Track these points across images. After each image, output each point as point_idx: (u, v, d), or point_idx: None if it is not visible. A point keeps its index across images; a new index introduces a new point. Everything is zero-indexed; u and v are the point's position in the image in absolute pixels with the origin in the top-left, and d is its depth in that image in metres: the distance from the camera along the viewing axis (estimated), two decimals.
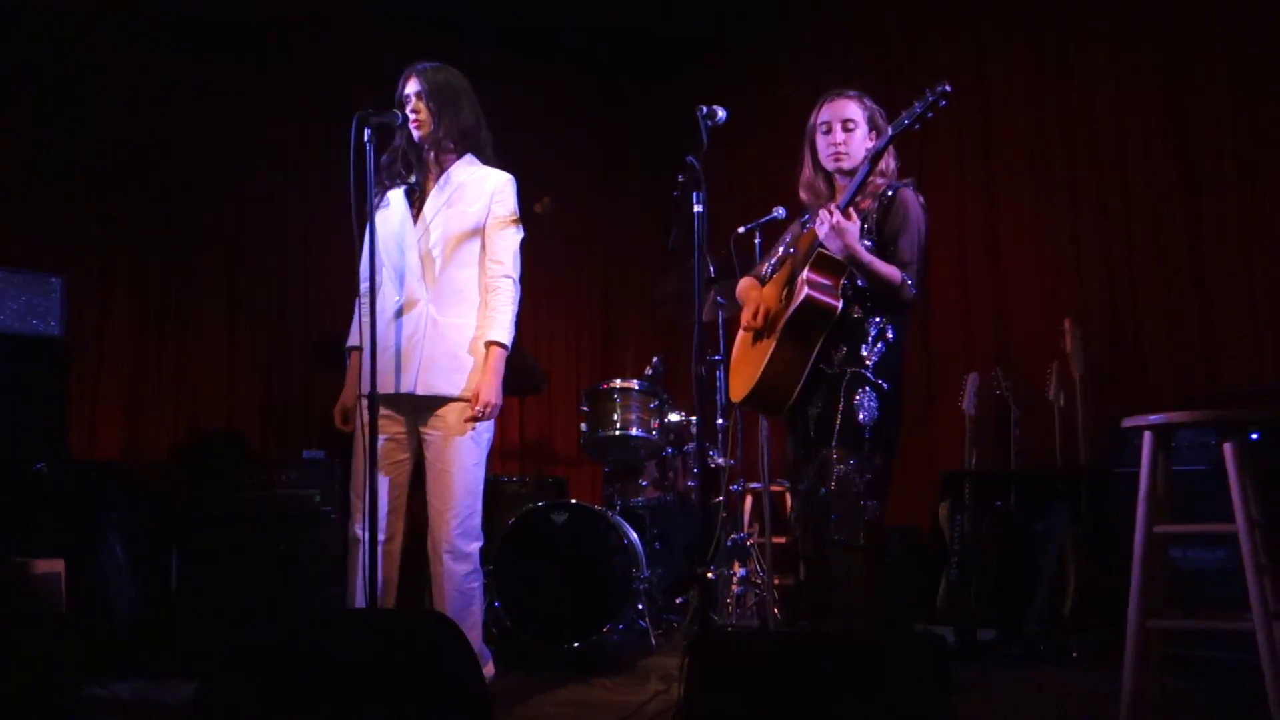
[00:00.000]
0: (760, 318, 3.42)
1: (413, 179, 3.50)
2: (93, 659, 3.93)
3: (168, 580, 4.41)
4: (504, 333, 3.42)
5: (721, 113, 3.14)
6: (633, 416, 4.73)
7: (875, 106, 3.44)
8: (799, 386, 3.27)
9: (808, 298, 3.18)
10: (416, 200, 3.49)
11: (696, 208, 2.99)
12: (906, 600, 4.76)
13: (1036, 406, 4.65)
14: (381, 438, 3.27)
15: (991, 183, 5.38)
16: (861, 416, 3.19)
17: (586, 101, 6.83)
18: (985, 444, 4.73)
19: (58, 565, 3.81)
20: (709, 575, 4.48)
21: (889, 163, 3.36)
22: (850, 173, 3.37)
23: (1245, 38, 4.50)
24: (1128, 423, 3.01)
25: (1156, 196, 4.76)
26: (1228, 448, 2.88)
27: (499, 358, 3.41)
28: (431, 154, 3.49)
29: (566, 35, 6.50)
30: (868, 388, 3.21)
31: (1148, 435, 2.99)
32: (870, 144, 3.37)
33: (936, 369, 5.42)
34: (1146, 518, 2.96)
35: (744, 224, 4.49)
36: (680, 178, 3.00)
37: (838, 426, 3.20)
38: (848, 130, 3.37)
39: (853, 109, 3.39)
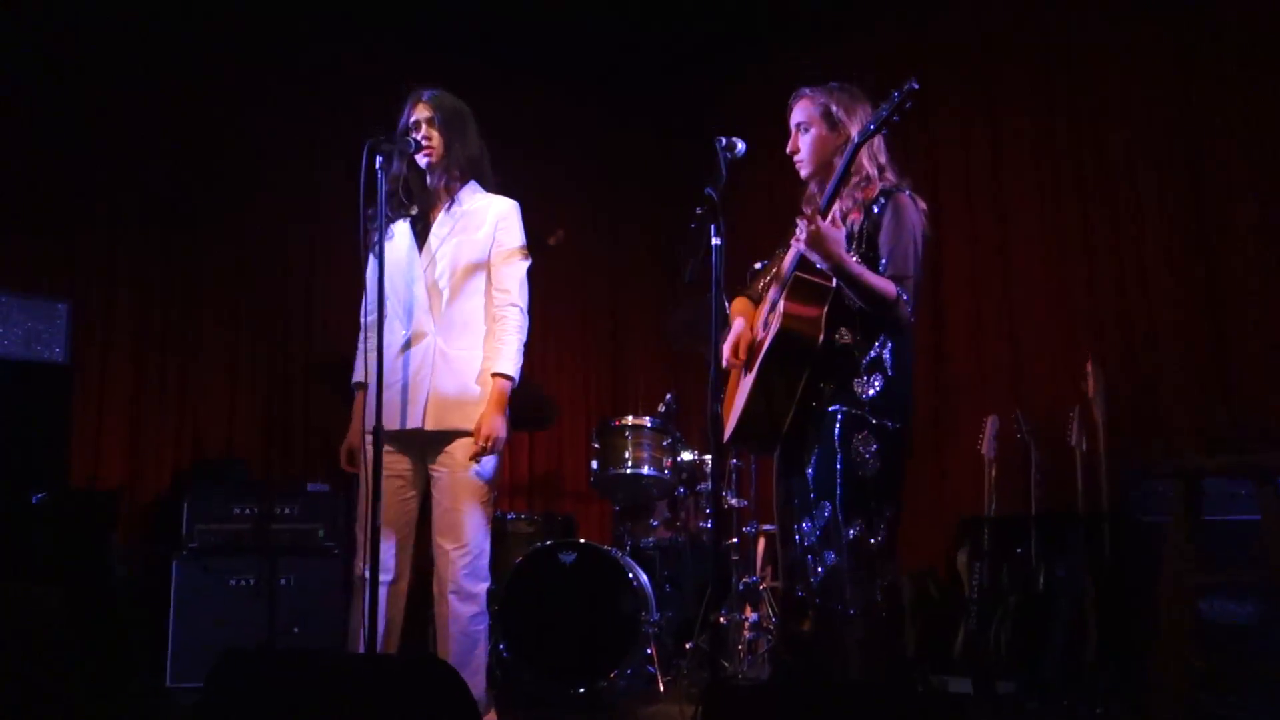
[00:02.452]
0: (743, 349, 3.18)
1: (414, 210, 3.42)
2: (90, 691, 3.85)
3: (166, 612, 4.32)
4: (510, 364, 3.34)
5: (740, 145, 3.02)
6: (645, 454, 4.63)
7: (829, 98, 3.10)
8: (786, 423, 2.98)
9: (782, 329, 2.92)
10: (420, 231, 3.42)
11: (714, 241, 2.87)
12: (921, 650, 4.64)
13: (1057, 450, 4.54)
14: (387, 474, 3.17)
15: (1005, 222, 5.27)
16: (864, 469, 2.87)
17: (595, 130, 6.75)
18: (1004, 488, 4.61)
19: (56, 594, 3.73)
20: (721, 620, 4.36)
21: (872, 167, 3.05)
22: (826, 174, 3.08)
23: (1263, 78, 4.41)
24: (1159, 468, 2.90)
25: (1175, 237, 4.66)
26: (1262, 495, 2.77)
27: (504, 390, 3.32)
28: (441, 182, 3.41)
29: (574, 63, 6.45)
30: (867, 431, 2.89)
31: (1178, 482, 2.89)
32: (835, 140, 3.07)
33: (951, 411, 5.31)
34: (1176, 567, 2.84)
35: (760, 257, 4.39)
36: (698, 209, 2.89)
37: (839, 484, 2.87)
38: (803, 132, 3.13)
39: (800, 110, 3.14)
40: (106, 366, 5.02)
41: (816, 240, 2.83)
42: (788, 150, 3.17)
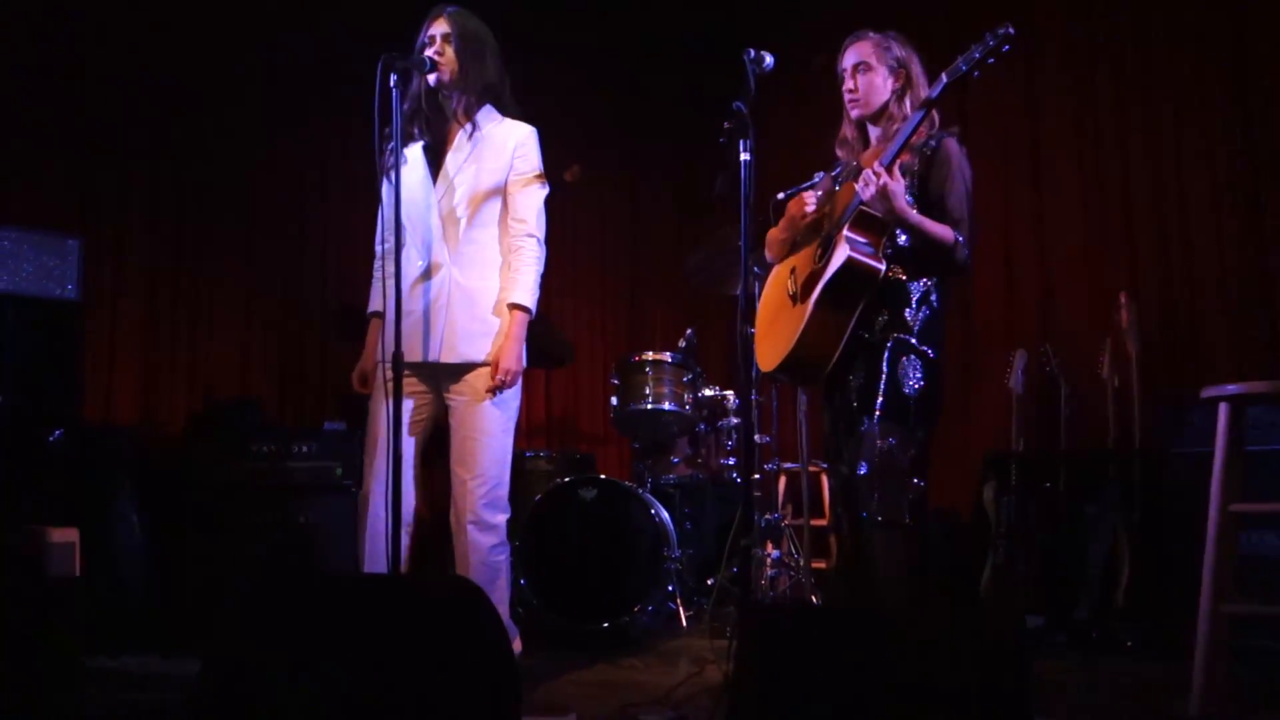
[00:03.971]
0: (801, 279, 3.13)
1: (428, 134, 3.31)
2: (103, 630, 3.82)
3: (181, 552, 4.27)
4: (527, 295, 3.25)
5: (769, 59, 2.92)
6: (665, 390, 4.54)
7: (892, 43, 3.12)
8: (837, 354, 3.00)
9: (849, 259, 2.90)
10: (433, 158, 3.31)
11: (743, 156, 2.77)
12: (945, 584, 4.57)
13: (1087, 385, 4.45)
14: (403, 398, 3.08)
15: (1037, 152, 5.13)
16: (907, 387, 2.95)
17: (614, 67, 6.57)
18: (1032, 424, 4.53)
19: (72, 534, 3.68)
20: (754, 549, 4.29)
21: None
22: (877, 118, 3.12)
23: None
24: (1206, 393, 2.80)
25: (1215, 168, 4.52)
26: None
27: (521, 323, 3.24)
28: (457, 105, 3.28)
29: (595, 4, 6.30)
30: (913, 355, 2.97)
31: (1224, 407, 2.80)
32: (893, 85, 3.08)
33: (979, 345, 5.20)
34: (1221, 495, 2.75)
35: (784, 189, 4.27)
36: (726, 124, 2.80)
37: (881, 398, 2.95)
38: (861, 73, 3.09)
39: (864, 49, 3.10)
40: (118, 306, 4.93)
41: (884, 195, 2.86)
42: (847, 89, 3.13)
